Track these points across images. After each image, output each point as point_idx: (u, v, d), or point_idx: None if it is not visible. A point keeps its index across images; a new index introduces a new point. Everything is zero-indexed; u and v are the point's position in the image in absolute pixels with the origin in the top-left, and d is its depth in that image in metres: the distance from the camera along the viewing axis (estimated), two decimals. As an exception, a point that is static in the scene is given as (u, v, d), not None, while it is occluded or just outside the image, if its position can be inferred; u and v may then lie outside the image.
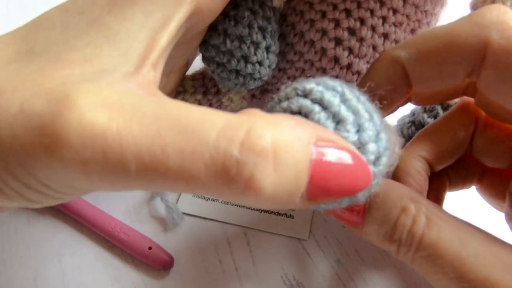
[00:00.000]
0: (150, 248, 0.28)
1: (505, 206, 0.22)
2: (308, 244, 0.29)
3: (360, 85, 0.21)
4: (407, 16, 0.26)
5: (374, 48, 0.27)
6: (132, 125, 0.14)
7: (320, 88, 0.18)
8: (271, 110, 0.19)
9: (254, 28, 0.26)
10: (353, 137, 0.17)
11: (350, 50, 0.27)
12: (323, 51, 0.28)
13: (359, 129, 0.17)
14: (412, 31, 0.27)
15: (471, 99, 0.23)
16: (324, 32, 0.27)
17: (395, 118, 0.32)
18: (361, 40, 0.27)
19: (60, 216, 0.30)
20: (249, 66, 0.26)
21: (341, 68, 0.28)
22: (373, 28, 0.27)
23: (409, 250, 0.19)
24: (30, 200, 0.16)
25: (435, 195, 0.24)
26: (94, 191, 0.17)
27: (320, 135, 0.15)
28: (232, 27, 0.25)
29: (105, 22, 0.17)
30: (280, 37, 0.29)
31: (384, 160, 0.17)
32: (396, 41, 0.27)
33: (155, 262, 0.28)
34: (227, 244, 0.29)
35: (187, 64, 0.29)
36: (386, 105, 0.21)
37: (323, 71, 0.29)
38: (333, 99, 0.17)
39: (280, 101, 0.19)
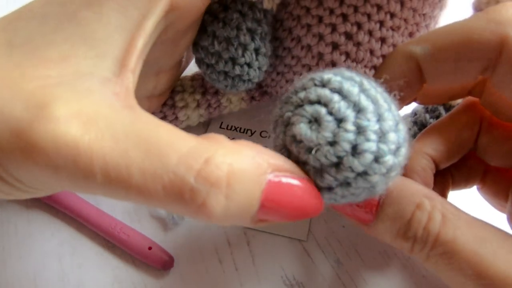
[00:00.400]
0: (150, 248, 0.28)
1: (507, 206, 0.23)
2: (308, 244, 0.29)
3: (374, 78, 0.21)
4: (405, 20, 0.27)
5: (372, 52, 0.28)
6: (103, 140, 0.15)
7: (338, 78, 0.18)
8: (286, 101, 0.19)
9: (242, 30, 0.26)
10: (374, 125, 0.17)
11: (347, 55, 0.28)
12: (320, 55, 0.28)
13: (379, 119, 0.17)
14: (411, 34, 0.28)
15: (476, 99, 0.23)
16: (321, 37, 0.28)
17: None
18: (358, 44, 0.27)
19: (60, 216, 0.30)
20: (237, 67, 0.26)
21: None
22: (370, 33, 0.27)
23: (424, 247, 0.19)
24: (1, 192, 0.17)
25: (439, 193, 0.24)
26: (64, 190, 0.18)
27: (277, 165, 0.16)
28: (220, 28, 0.26)
29: (83, 17, 0.18)
30: (277, 41, 0.30)
31: (403, 151, 0.17)
32: (394, 45, 0.28)
33: (155, 262, 0.28)
34: (227, 244, 0.29)
35: (180, 64, 0.29)
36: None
37: None
38: (352, 89, 0.17)
39: (296, 92, 0.18)
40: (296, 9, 0.28)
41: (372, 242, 0.29)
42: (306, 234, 0.29)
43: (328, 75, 0.18)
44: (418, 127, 0.29)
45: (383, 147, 0.17)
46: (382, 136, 0.17)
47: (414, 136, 0.27)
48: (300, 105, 0.18)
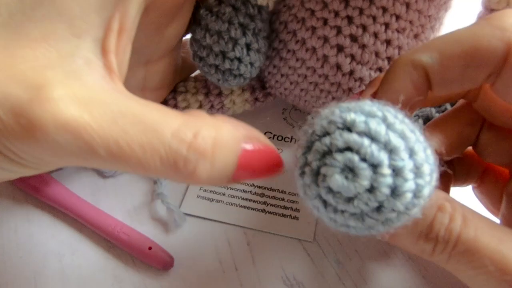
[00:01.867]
0: (150, 248, 0.28)
1: (501, 208, 0.23)
2: (308, 244, 0.29)
3: (382, 91, 0.20)
4: (411, 22, 0.26)
5: (377, 54, 0.27)
6: (102, 119, 0.16)
7: (362, 117, 0.17)
8: (309, 146, 0.18)
9: (234, 24, 0.26)
10: (409, 164, 0.16)
11: (352, 57, 0.27)
12: (325, 58, 0.28)
13: (411, 154, 0.16)
14: (416, 36, 0.28)
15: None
16: (325, 39, 0.27)
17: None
18: (363, 46, 0.27)
19: (60, 216, 0.30)
20: (227, 61, 0.27)
21: (343, 75, 0.28)
22: (376, 35, 0.27)
23: (446, 247, 0.19)
24: (5, 169, 0.18)
25: (442, 188, 0.25)
26: (65, 166, 0.19)
27: (248, 135, 0.19)
28: (213, 22, 0.26)
29: None
30: (281, 43, 0.29)
31: (435, 175, 0.17)
32: (399, 47, 0.27)
33: (155, 262, 0.28)
34: (227, 244, 0.29)
35: (173, 60, 0.29)
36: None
37: (325, 78, 0.29)
38: (379, 128, 0.16)
39: (319, 136, 0.18)
40: (300, 12, 0.28)
41: (372, 242, 0.29)
42: (313, 235, 0.29)
43: (350, 115, 0.17)
44: (423, 121, 0.29)
45: (420, 182, 0.16)
46: (417, 171, 0.16)
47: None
48: (327, 153, 0.17)
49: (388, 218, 0.17)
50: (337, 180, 0.16)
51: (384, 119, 0.17)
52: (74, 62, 0.17)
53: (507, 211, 0.23)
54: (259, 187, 0.32)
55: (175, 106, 0.31)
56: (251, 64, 0.28)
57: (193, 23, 0.28)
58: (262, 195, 0.31)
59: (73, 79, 0.17)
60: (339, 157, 0.16)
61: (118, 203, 0.31)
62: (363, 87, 0.29)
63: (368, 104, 0.17)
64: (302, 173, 0.18)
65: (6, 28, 0.17)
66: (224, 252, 0.29)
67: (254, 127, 0.31)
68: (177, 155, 0.17)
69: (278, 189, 0.31)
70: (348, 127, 0.17)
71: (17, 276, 0.28)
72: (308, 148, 0.18)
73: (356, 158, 0.16)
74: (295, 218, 0.30)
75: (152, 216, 0.30)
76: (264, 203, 0.31)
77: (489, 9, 0.26)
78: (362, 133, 0.16)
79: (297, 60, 0.29)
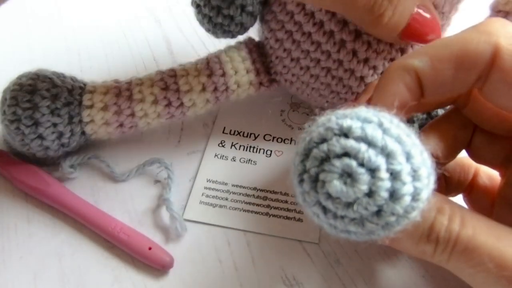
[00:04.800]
0: (150, 248, 0.28)
1: (494, 212, 0.24)
2: (308, 244, 0.29)
3: (377, 95, 0.21)
4: None
5: (391, 45, 0.28)
6: None
7: (358, 123, 0.17)
8: (306, 153, 0.18)
9: None
10: (407, 167, 0.16)
11: (369, 44, 0.28)
12: (342, 42, 0.28)
13: (408, 157, 0.17)
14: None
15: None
16: (344, 23, 0.28)
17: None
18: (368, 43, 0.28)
19: (60, 216, 0.30)
20: (220, 16, 0.29)
21: (358, 62, 0.29)
22: None
23: (446, 247, 0.19)
24: None
25: (440, 189, 0.25)
26: None
27: (423, 2, 0.24)
28: None
29: None
30: (296, 25, 0.30)
31: (432, 178, 0.17)
32: None
33: (155, 262, 0.28)
34: (227, 245, 0.29)
35: None
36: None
37: (340, 63, 0.29)
38: (376, 133, 0.17)
39: (317, 143, 0.18)
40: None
41: (372, 242, 0.29)
42: (318, 236, 0.29)
43: (346, 121, 0.17)
44: (418, 125, 0.29)
45: (418, 185, 0.17)
46: (414, 174, 0.17)
47: None
48: (325, 159, 0.17)
49: (387, 222, 0.17)
50: (336, 185, 0.17)
51: (380, 124, 0.17)
52: None
53: (500, 215, 0.23)
54: (261, 190, 0.31)
55: (177, 90, 0.31)
56: (242, 24, 0.30)
57: None
58: (265, 198, 0.31)
59: None
60: (337, 163, 0.17)
61: (118, 203, 0.31)
62: (376, 76, 0.29)
63: (363, 111, 0.18)
64: (301, 181, 0.18)
65: None
66: (224, 252, 0.29)
67: (251, 128, 0.32)
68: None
69: (281, 192, 0.31)
70: (345, 133, 0.17)
71: (17, 276, 0.28)
72: (306, 155, 0.18)
73: (354, 163, 0.16)
74: (299, 220, 0.30)
75: (155, 221, 0.30)
76: (268, 206, 0.31)
77: (496, 11, 0.26)
78: (359, 139, 0.17)
79: (312, 43, 0.29)
